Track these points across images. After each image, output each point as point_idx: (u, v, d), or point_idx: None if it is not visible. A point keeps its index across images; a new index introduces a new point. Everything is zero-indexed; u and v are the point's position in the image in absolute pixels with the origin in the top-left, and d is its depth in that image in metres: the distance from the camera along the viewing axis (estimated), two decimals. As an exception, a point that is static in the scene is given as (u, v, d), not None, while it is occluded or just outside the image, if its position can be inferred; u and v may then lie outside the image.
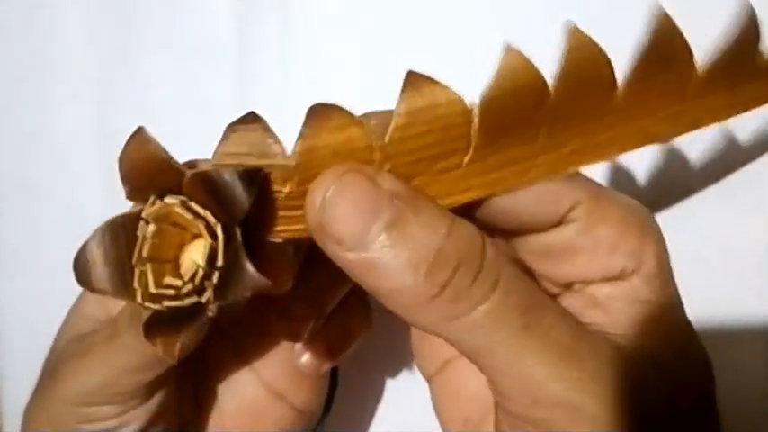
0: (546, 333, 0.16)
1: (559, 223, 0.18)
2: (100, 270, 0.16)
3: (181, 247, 0.16)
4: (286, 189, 0.16)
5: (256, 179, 0.15)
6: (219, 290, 0.16)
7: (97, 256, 0.16)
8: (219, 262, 0.15)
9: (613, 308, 0.18)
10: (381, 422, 0.31)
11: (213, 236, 0.15)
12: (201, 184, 0.15)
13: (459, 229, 0.16)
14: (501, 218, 0.18)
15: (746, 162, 0.23)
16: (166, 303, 0.16)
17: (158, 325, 0.16)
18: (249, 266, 0.15)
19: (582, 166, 0.18)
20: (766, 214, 0.23)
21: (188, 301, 0.16)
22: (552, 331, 0.17)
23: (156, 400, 0.21)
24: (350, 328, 0.24)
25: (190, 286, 0.15)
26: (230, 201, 0.15)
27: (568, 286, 0.19)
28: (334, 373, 0.25)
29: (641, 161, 0.25)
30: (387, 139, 0.16)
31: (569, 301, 0.18)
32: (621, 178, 0.27)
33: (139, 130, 0.16)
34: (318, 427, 0.25)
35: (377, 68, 0.29)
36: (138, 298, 0.16)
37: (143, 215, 0.16)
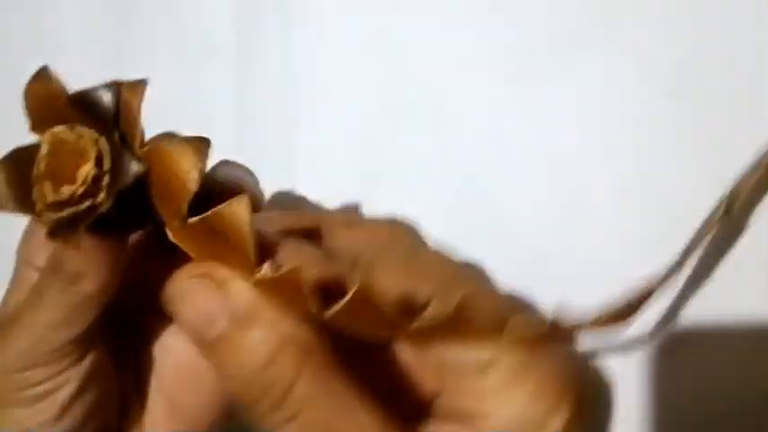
0: None
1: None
2: (3, 190, 0.19)
3: (76, 169, 0.18)
4: None
5: (116, 87, 0.19)
6: (110, 188, 0.18)
7: (1, 179, 0.19)
8: (107, 165, 0.18)
9: None
10: None
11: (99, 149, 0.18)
12: (78, 105, 0.19)
13: (281, 356, 0.18)
14: None
15: (743, 161, 0.23)
16: (66, 211, 0.18)
17: (60, 229, 0.18)
18: (130, 161, 0.18)
19: None
20: (765, 213, 0.23)
21: (84, 204, 0.18)
22: None
23: (88, 360, 0.22)
24: None
25: (83, 188, 0.18)
26: (105, 111, 0.18)
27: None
28: None
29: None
30: None
31: None
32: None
33: (43, 68, 0.19)
34: None
35: (377, 69, 0.29)
36: (38, 208, 0.18)
37: (39, 141, 0.19)
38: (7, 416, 0.22)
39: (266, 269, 0.18)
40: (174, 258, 0.19)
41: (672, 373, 0.24)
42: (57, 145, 0.19)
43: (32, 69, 0.34)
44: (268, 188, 0.23)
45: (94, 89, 0.19)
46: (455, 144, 0.27)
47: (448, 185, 0.27)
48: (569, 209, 0.26)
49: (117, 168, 0.18)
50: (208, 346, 0.19)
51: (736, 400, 0.24)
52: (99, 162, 0.18)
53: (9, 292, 0.23)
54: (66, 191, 0.18)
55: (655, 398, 0.24)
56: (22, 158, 0.19)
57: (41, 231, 0.23)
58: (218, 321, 0.19)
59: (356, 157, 0.29)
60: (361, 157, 0.29)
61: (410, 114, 0.28)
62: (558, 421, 0.19)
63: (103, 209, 0.18)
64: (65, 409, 0.22)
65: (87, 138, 0.18)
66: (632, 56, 0.24)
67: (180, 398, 0.24)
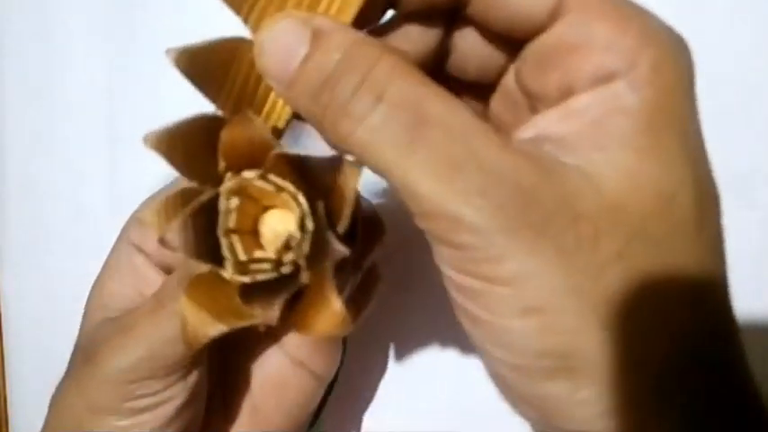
0: (433, 148, 0.15)
1: (551, 21, 0.16)
2: (191, 243, 0.16)
3: (255, 220, 0.17)
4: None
5: (340, 160, 0.16)
6: (310, 258, 0.16)
7: (188, 228, 0.16)
8: (310, 227, 0.16)
9: (588, 117, 0.16)
10: (382, 396, 0.32)
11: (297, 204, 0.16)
12: (284, 162, 0.16)
13: (356, 47, 0.16)
14: (485, 11, 0.17)
15: (741, 160, 0.24)
16: (261, 277, 0.16)
17: (251, 295, 0.16)
18: (332, 236, 0.16)
19: None
20: (759, 210, 0.23)
21: (285, 270, 0.16)
22: (441, 146, 0.15)
23: (194, 376, 0.22)
24: (366, 287, 0.25)
25: (290, 256, 0.16)
26: (315, 176, 0.16)
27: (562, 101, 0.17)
28: (343, 343, 0.26)
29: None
30: None
31: (547, 122, 0.17)
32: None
33: (244, 113, 0.17)
34: (327, 397, 0.27)
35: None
36: (229, 269, 0.16)
37: (221, 189, 0.17)
38: (103, 425, 0.21)
39: None
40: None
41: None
42: (246, 191, 0.17)
43: (40, 71, 0.35)
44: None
45: (315, 157, 0.16)
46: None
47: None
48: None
49: (319, 240, 0.16)
50: (294, 67, 0.16)
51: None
52: (302, 224, 0.16)
53: (110, 277, 0.23)
54: (269, 254, 0.16)
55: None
56: (206, 207, 0.17)
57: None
58: (302, 44, 0.16)
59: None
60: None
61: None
62: (651, 51, 0.16)
63: (304, 280, 0.16)
64: (164, 426, 0.21)
65: (286, 194, 0.16)
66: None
67: (266, 407, 0.24)
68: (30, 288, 0.35)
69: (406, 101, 0.16)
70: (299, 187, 0.16)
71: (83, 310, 0.24)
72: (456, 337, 0.30)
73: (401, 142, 0.15)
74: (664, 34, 0.16)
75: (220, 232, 0.17)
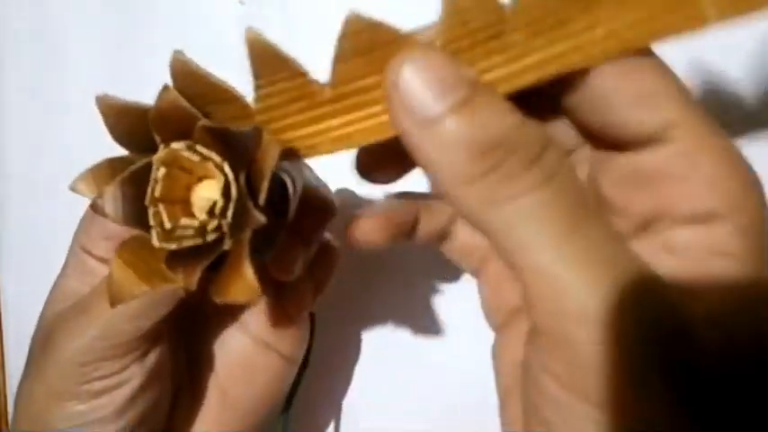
0: (590, 243, 0.15)
1: (652, 141, 0.16)
2: (119, 208, 0.17)
3: (188, 190, 0.17)
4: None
5: (260, 134, 0.17)
6: (232, 225, 0.17)
7: (117, 197, 0.17)
8: (234, 194, 0.17)
9: (690, 256, 0.16)
10: (358, 380, 0.32)
11: (222, 174, 0.17)
12: (209, 133, 0.17)
13: (526, 124, 0.16)
14: (588, 110, 0.17)
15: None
16: (186, 243, 0.17)
17: (177, 260, 0.17)
18: (252, 205, 0.16)
19: (657, 36, 0.16)
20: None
21: (210, 237, 0.17)
22: (596, 242, 0.15)
23: (152, 357, 0.22)
24: (323, 264, 0.25)
25: (214, 222, 0.17)
26: (237, 148, 0.17)
27: (645, 226, 0.17)
28: (311, 323, 0.26)
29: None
30: (439, 28, 0.16)
31: (640, 247, 0.16)
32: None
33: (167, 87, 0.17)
34: (300, 380, 0.26)
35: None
36: (155, 237, 0.17)
37: (153, 159, 0.17)
38: (63, 410, 0.21)
39: None
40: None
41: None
42: (172, 166, 0.17)
43: (40, 71, 0.35)
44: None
45: (236, 129, 0.17)
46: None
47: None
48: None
49: (241, 208, 0.17)
50: (443, 112, 0.16)
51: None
52: (226, 192, 0.17)
53: (64, 276, 0.23)
54: (194, 222, 0.17)
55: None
56: (138, 175, 0.17)
57: (104, 221, 0.22)
58: (458, 88, 0.16)
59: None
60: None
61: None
62: (755, 198, 0.16)
63: (226, 247, 0.17)
64: (123, 409, 0.21)
65: (212, 163, 0.17)
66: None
67: (234, 391, 0.24)
68: (30, 288, 0.35)
69: (576, 190, 0.16)
70: (224, 158, 0.17)
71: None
72: (433, 318, 0.30)
73: (562, 227, 0.15)
74: (759, 182, 0.16)
75: (147, 201, 0.17)
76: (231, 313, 0.25)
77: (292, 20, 0.31)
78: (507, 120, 0.16)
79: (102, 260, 0.22)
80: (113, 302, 0.17)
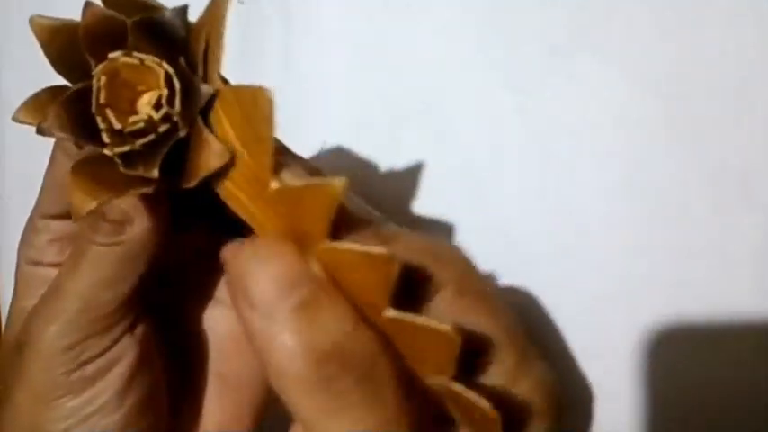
0: None
1: None
2: (64, 120, 0.17)
3: (132, 104, 0.17)
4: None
5: (185, 12, 0.17)
6: (184, 111, 0.17)
7: (60, 114, 0.17)
8: (177, 85, 0.17)
9: None
10: None
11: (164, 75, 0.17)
12: (141, 30, 0.17)
13: (362, 332, 0.16)
14: None
15: (741, 160, 0.24)
16: (139, 141, 0.17)
17: (136, 160, 0.17)
18: (199, 81, 0.17)
19: None
20: (757, 212, 0.23)
21: (162, 128, 0.17)
22: None
23: (141, 328, 0.20)
24: None
25: (163, 111, 0.17)
26: (170, 35, 0.17)
27: None
28: None
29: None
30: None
31: None
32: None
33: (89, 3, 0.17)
34: None
35: (377, 71, 0.29)
36: (107, 140, 0.17)
37: (93, 73, 0.17)
38: (55, 411, 0.19)
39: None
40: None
41: (665, 372, 0.24)
42: (116, 72, 0.17)
43: (40, 70, 0.35)
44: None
45: (163, 14, 0.17)
46: (452, 145, 0.27)
47: (445, 186, 0.28)
48: (562, 209, 0.26)
49: (189, 91, 0.17)
50: (283, 312, 0.16)
51: (730, 398, 0.24)
52: (169, 84, 0.17)
53: (17, 299, 0.22)
54: (142, 116, 0.17)
55: (648, 397, 0.25)
56: (80, 94, 0.17)
57: (47, 225, 0.22)
58: (300, 286, 0.16)
59: (355, 159, 0.29)
60: (360, 158, 0.29)
61: (408, 116, 0.28)
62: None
63: (182, 134, 0.17)
64: (123, 392, 0.20)
65: (149, 62, 0.17)
66: (624, 59, 0.25)
67: (228, 370, 0.23)
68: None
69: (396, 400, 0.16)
70: (162, 54, 0.17)
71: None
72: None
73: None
74: None
75: (94, 110, 0.17)
76: (208, 295, 0.24)
77: (292, 20, 0.31)
78: (346, 327, 0.16)
79: (56, 265, 0.21)
80: (77, 216, 0.17)
